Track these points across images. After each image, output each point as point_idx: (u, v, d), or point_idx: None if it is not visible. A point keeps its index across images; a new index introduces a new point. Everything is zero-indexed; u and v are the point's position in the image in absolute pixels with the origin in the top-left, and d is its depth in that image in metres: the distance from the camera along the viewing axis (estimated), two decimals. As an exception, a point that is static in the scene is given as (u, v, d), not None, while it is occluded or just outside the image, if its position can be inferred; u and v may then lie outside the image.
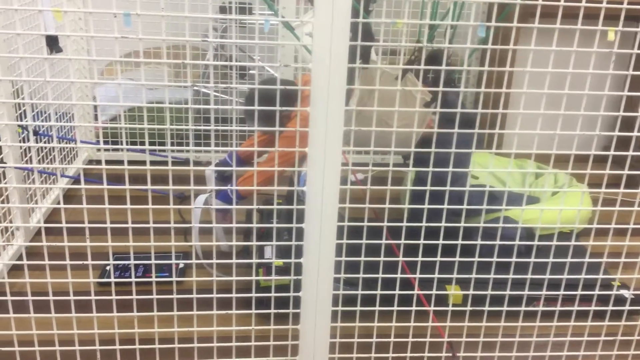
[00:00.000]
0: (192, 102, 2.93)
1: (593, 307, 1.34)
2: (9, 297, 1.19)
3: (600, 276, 1.33)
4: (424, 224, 1.20)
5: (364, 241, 1.18)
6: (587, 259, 1.26)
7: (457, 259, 1.22)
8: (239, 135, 2.85)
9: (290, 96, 1.11)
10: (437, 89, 1.13)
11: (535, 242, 1.29)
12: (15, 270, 1.86)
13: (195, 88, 2.88)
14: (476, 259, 1.23)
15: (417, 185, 1.17)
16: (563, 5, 1.05)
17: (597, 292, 1.32)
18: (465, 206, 1.20)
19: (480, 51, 2.60)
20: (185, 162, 2.58)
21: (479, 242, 1.21)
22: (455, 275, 1.22)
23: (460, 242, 1.21)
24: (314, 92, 1.03)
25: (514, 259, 1.24)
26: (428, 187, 1.17)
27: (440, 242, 1.20)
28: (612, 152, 1.19)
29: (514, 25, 1.08)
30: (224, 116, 2.98)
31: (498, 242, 1.22)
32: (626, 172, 1.23)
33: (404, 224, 1.19)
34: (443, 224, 1.19)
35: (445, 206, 1.18)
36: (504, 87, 1.14)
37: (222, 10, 2.86)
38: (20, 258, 1.84)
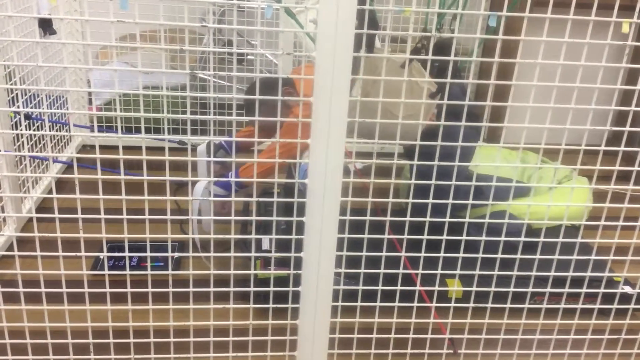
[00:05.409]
0: (189, 87, 2.88)
1: (597, 305, 1.31)
2: (-1, 288, 1.16)
3: (605, 274, 1.30)
4: (426, 218, 1.17)
5: (365, 236, 1.15)
6: (593, 257, 1.23)
7: (459, 254, 1.19)
8: (237, 123, 2.82)
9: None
10: (443, 80, 1.09)
11: (542, 239, 1.25)
12: (6, 259, 1.82)
13: (192, 73, 2.83)
14: (478, 254, 1.20)
15: (417, 179, 1.14)
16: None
17: (602, 290, 1.30)
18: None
19: (484, 41, 2.56)
20: (180, 143, 2.51)
21: (484, 237, 1.19)
22: (456, 272, 1.19)
23: (465, 237, 1.19)
24: (317, 82, 0.99)
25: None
26: (416, 181, 1.14)
27: (445, 237, 1.17)
28: (622, 148, 1.16)
29: (525, 15, 1.04)
30: (222, 102, 2.93)
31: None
32: (635, 168, 1.20)
33: (406, 218, 1.16)
34: (448, 219, 1.16)
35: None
36: (514, 79, 1.11)
37: (221, -7, 2.81)
38: (11, 247, 1.81)
